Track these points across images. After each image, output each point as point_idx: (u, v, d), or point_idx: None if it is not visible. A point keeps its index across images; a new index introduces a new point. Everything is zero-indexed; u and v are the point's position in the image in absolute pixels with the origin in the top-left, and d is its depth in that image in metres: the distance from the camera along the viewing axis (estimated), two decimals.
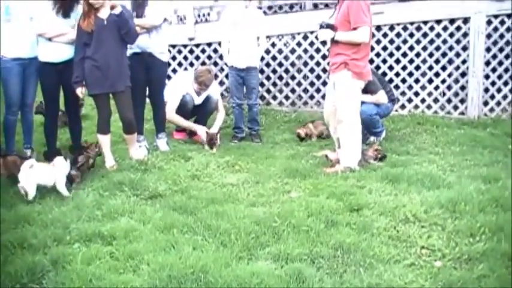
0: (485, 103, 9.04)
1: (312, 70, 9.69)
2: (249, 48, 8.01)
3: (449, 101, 9.16)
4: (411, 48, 9.14)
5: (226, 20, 8.30)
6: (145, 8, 7.20)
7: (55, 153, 7.00)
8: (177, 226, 4.81)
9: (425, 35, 9.05)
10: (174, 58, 10.30)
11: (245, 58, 8.02)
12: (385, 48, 9.25)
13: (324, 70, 9.44)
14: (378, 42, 9.22)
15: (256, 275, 3.90)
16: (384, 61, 9.28)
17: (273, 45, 9.83)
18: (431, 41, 9.04)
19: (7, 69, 6.81)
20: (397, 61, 9.24)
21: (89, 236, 4.67)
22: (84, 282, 3.88)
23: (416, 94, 9.27)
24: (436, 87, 9.17)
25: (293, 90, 9.82)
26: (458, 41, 8.95)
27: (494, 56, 8.89)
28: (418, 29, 9.08)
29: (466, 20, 8.85)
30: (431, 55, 9.10)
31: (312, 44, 9.57)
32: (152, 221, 4.98)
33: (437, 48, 9.04)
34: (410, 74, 9.24)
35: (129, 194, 5.73)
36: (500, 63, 8.91)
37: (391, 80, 9.14)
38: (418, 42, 9.09)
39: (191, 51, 10.37)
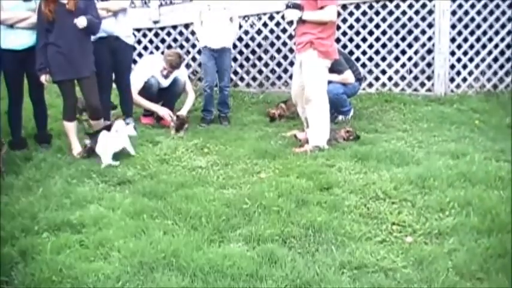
0: (452, 80, 9.09)
1: (278, 50, 9.64)
2: (222, 29, 7.86)
3: (416, 78, 9.20)
4: (377, 26, 9.14)
5: (198, 1, 8.09)
6: None
7: (20, 142, 6.91)
8: (146, 211, 4.79)
9: (391, 13, 9.04)
10: (139, 42, 10.17)
11: (219, 38, 7.85)
12: (351, 27, 9.23)
13: (291, 50, 9.39)
14: (344, 21, 9.19)
15: (228, 258, 3.91)
16: (351, 40, 9.27)
17: (239, 26, 9.76)
18: (397, 19, 9.04)
19: None
20: (364, 39, 9.24)
21: (58, 225, 4.63)
22: (54, 272, 3.85)
23: (383, 72, 9.29)
24: (403, 65, 9.18)
25: (260, 71, 9.76)
26: (423, 19, 8.97)
27: (460, 33, 8.94)
28: (384, 7, 9.08)
29: None
30: (397, 33, 9.10)
31: (278, 24, 9.51)
32: (121, 207, 4.95)
33: (403, 26, 9.04)
34: (377, 53, 9.24)
35: (97, 180, 5.69)
36: (466, 40, 8.96)
37: (357, 59, 9.13)
38: (384, 20, 9.09)
39: (156, 35, 10.23)
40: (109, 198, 5.20)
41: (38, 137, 7.19)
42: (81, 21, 6.26)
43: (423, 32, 9.04)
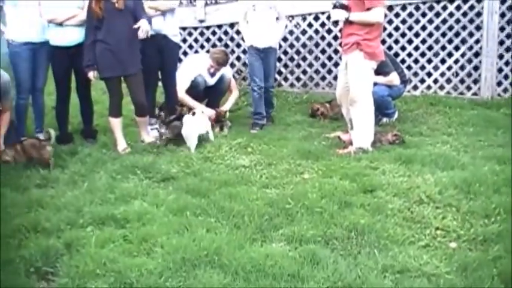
0: (499, 83, 8.91)
1: (323, 51, 9.61)
2: (268, 28, 7.72)
3: (462, 81, 9.06)
4: (424, 28, 9.03)
5: (244, 1, 8.02)
6: None
7: (67, 136, 7.04)
8: (190, 208, 4.83)
9: (438, 14, 8.92)
10: (184, 41, 10.25)
11: (265, 38, 7.70)
12: (397, 28, 9.14)
13: (336, 51, 9.36)
14: (390, 22, 9.10)
15: (270, 257, 3.90)
16: (396, 41, 9.18)
17: (285, 26, 9.77)
18: (444, 21, 8.92)
19: (16, 53, 6.84)
20: (410, 41, 9.14)
21: (102, 219, 4.70)
22: (98, 265, 3.89)
23: (429, 75, 9.17)
24: (449, 68, 9.05)
25: (304, 72, 9.76)
26: (471, 21, 8.82)
27: (508, 36, 8.76)
28: (431, 8, 8.96)
29: None
30: (444, 35, 8.98)
31: (323, 24, 9.48)
32: (165, 203, 5.00)
33: (450, 28, 8.91)
34: (423, 55, 9.13)
35: (141, 177, 5.76)
36: None
37: (403, 61, 9.05)
38: (430, 21, 8.97)
39: (202, 34, 10.31)
40: (153, 195, 5.25)
41: (84, 132, 7.33)
42: (145, 26, 6.39)
43: (471, 34, 8.89)
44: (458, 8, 8.80)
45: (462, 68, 9.04)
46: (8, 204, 5.11)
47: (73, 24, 6.69)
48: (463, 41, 8.94)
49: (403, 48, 9.17)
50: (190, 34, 10.35)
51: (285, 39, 9.63)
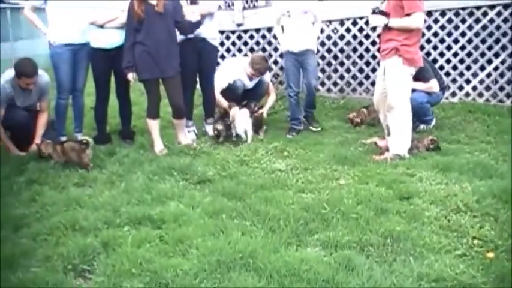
0: None
1: (361, 56, 9.58)
2: (303, 33, 7.64)
3: (501, 88, 8.91)
4: (463, 34, 8.92)
5: (279, 8, 7.92)
6: None
7: (105, 137, 7.14)
8: (226, 211, 4.84)
9: (477, 20, 8.80)
10: (222, 44, 10.31)
11: (300, 41, 7.63)
12: (436, 34, 9.06)
13: (374, 56, 9.33)
14: (429, 28, 9.02)
15: (305, 262, 3.89)
16: (435, 47, 9.10)
17: (322, 31, 9.75)
18: (484, 27, 8.80)
19: (57, 54, 6.97)
20: (448, 47, 9.04)
21: (139, 219, 4.74)
22: (134, 265, 3.93)
23: (468, 81, 9.06)
24: (488, 75, 8.92)
25: (342, 77, 9.74)
26: None
27: None
28: (471, 14, 8.85)
29: None
30: (483, 41, 8.85)
31: (361, 29, 9.46)
32: (201, 205, 5.03)
33: (491, 34, 8.78)
34: (462, 61, 9.02)
35: (178, 178, 5.79)
36: None
37: (441, 67, 8.96)
38: (470, 28, 8.86)
39: (239, 37, 10.37)
40: (189, 196, 5.28)
41: (122, 133, 7.43)
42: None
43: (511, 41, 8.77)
44: (499, 14, 8.67)
45: (502, 75, 8.90)
46: (46, 202, 5.20)
47: (114, 26, 6.79)
48: (503, 48, 8.80)
49: (441, 55, 9.08)
50: (228, 38, 10.42)
51: (322, 44, 9.63)
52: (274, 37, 9.75)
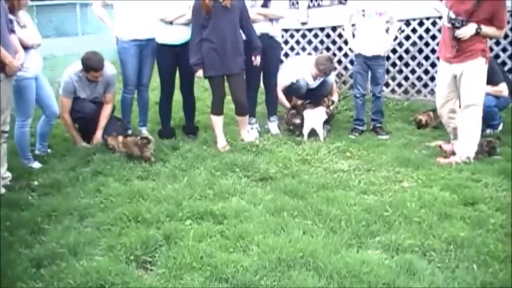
0: None
1: (426, 57, 9.39)
2: (377, 36, 7.56)
3: None
4: None
5: (353, 5, 7.75)
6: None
7: (169, 131, 7.24)
8: (287, 209, 4.84)
9: None
10: (286, 42, 10.32)
11: (374, 46, 7.54)
12: (506, 36, 8.81)
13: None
14: None
15: (366, 264, 3.85)
16: (504, 50, 8.86)
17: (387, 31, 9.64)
18: None
19: (124, 49, 7.12)
20: None
21: (201, 214, 4.79)
22: (195, 259, 3.97)
23: None
24: None
25: (406, 78, 9.58)
26: None
27: None
28: None
29: None
30: None
31: (427, 30, 9.28)
32: (263, 202, 5.03)
33: None
34: None
35: (240, 175, 5.83)
36: None
37: (510, 70, 8.72)
38: None
39: (303, 36, 10.35)
40: (251, 193, 5.31)
41: (185, 128, 7.52)
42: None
43: None
44: None
45: None
46: (111, 193, 5.31)
47: (181, 23, 6.87)
48: None
49: (511, 57, 8.84)
50: (292, 36, 10.42)
51: None
52: (339, 36, 9.72)
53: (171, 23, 6.94)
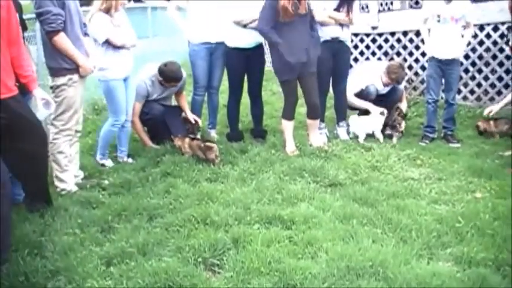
0: None
1: (500, 64, 9.13)
2: (452, 40, 7.32)
3: None
4: None
5: (428, 10, 7.54)
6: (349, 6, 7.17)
7: (237, 134, 7.28)
8: (356, 217, 4.79)
9: None
10: (356, 47, 10.24)
11: (448, 49, 7.31)
12: None
13: None
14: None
15: (436, 276, 3.78)
16: None
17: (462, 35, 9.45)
18: None
19: (195, 52, 7.22)
20: None
21: (269, 219, 4.78)
22: (262, 263, 3.96)
23: None
24: None
25: (479, 85, 9.34)
26: None
27: None
28: None
29: None
30: None
31: (502, 36, 9.03)
32: (332, 209, 4.99)
33: None
34: None
35: (309, 180, 5.81)
36: None
37: None
38: None
39: (374, 40, 10.24)
40: (319, 199, 5.27)
41: (254, 131, 7.54)
42: None
43: None
44: None
45: None
46: (180, 195, 5.36)
47: (254, 27, 6.88)
48: None
49: None
50: (362, 40, 10.33)
51: None
52: (410, 41, 9.57)
53: (244, 26, 6.95)
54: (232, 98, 7.49)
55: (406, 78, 9.56)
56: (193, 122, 7.26)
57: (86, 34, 5.79)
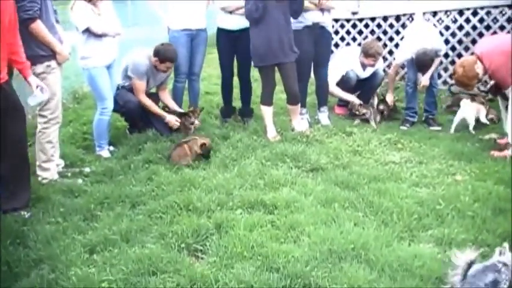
0: None
1: None
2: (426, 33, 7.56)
3: None
4: None
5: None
6: None
7: (230, 110, 7.70)
8: (338, 200, 4.83)
9: None
10: (336, 32, 10.24)
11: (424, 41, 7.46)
12: None
13: None
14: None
15: (418, 257, 3.84)
16: None
17: (440, 21, 9.48)
18: None
19: (175, 38, 7.18)
20: None
21: (251, 204, 4.81)
22: (245, 248, 4.00)
23: None
24: None
25: None
26: None
27: None
28: None
29: None
30: None
31: (481, 20, 9.07)
32: (313, 193, 5.03)
33: None
34: None
35: (290, 165, 5.83)
36: None
37: None
38: None
39: (354, 26, 10.25)
40: (301, 184, 5.30)
41: (242, 111, 7.67)
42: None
43: None
44: None
45: None
46: (162, 182, 5.37)
47: (240, 13, 6.92)
48: None
49: None
50: (342, 26, 10.34)
51: (440, 34, 9.31)
52: (390, 26, 9.60)
53: (230, 12, 7.08)
54: (224, 79, 7.66)
55: (387, 64, 9.59)
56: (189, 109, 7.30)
57: (57, 21, 5.75)
